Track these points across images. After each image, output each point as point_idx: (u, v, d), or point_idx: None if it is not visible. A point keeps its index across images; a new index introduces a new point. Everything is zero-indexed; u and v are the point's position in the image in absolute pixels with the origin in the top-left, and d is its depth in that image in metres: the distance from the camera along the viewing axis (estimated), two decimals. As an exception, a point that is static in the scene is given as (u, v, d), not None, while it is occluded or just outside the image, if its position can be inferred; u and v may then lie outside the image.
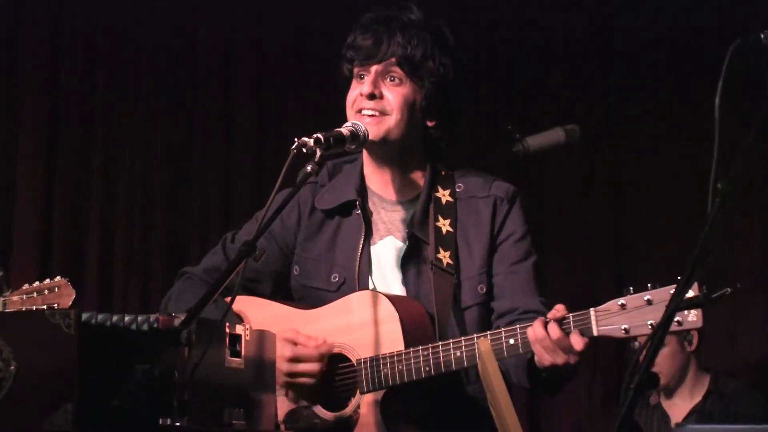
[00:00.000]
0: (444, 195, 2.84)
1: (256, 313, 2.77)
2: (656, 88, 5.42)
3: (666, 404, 4.75)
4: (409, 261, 2.82)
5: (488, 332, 2.61)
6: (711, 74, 2.10)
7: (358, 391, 2.67)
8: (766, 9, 4.99)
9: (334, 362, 2.73)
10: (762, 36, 2.08)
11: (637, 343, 2.52)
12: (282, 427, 2.55)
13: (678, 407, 4.71)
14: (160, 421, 2.08)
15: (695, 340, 4.72)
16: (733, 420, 4.52)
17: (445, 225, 2.80)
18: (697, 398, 4.70)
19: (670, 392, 4.73)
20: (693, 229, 2.32)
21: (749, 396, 4.65)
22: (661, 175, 5.42)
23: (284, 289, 2.94)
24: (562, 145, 2.89)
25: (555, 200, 5.56)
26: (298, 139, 2.56)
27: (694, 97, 4.97)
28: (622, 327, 2.45)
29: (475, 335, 2.61)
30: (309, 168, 2.55)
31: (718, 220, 1.96)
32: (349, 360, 2.71)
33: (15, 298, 3.12)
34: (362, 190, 2.88)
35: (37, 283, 3.14)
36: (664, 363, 4.64)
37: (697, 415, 4.61)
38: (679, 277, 2.41)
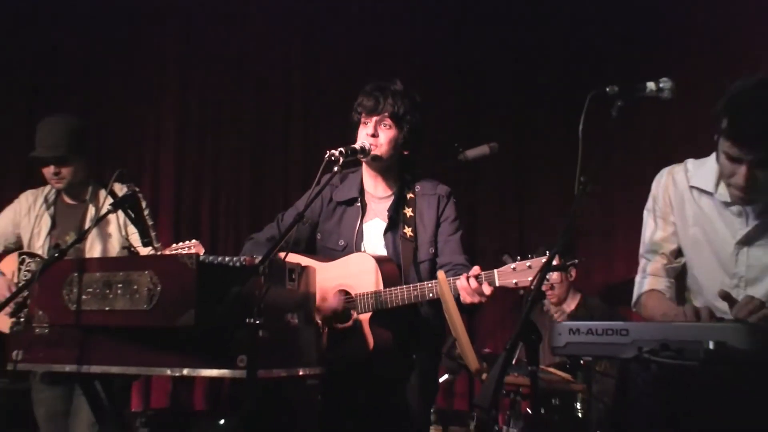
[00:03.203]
0: (408, 193, 2.86)
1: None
2: (550, 114, 5.38)
3: (553, 310, 4.77)
4: (388, 233, 2.83)
5: (434, 280, 2.61)
6: (580, 107, 2.09)
7: (355, 312, 2.68)
8: (617, 67, 5.02)
9: (342, 295, 2.73)
10: (607, 89, 2.09)
11: (522, 291, 2.54)
12: (321, 324, 2.56)
13: (560, 313, 4.73)
14: (247, 320, 2.08)
15: (574, 275, 4.74)
16: (591, 320, 4.54)
17: (409, 212, 2.82)
18: (572, 308, 4.72)
19: (558, 304, 4.75)
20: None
21: (602, 306, 4.68)
22: (550, 175, 5.40)
23: (310, 249, 2.92)
24: (488, 156, 2.85)
25: (484, 192, 5.56)
26: (329, 150, 2.56)
27: (571, 122, 4.95)
28: (513, 281, 2.48)
29: (425, 282, 2.63)
30: (336, 168, 2.56)
31: (581, 201, 1.97)
32: (350, 294, 2.71)
33: (167, 252, 3.11)
34: (361, 191, 2.90)
35: (180, 243, 3.13)
36: (556, 287, 4.67)
37: (570, 317, 4.64)
38: (547, 251, 2.44)
